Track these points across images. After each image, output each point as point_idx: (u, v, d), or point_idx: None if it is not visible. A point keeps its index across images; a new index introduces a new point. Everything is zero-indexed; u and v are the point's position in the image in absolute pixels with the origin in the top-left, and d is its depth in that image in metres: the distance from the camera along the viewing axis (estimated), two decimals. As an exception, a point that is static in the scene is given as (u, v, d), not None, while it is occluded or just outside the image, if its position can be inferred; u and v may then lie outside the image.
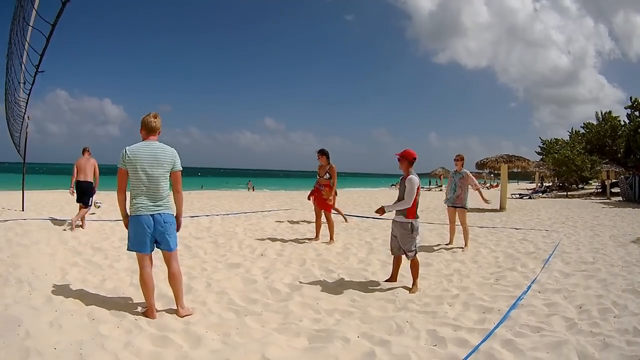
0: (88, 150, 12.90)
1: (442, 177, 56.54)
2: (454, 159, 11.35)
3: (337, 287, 7.10)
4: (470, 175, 10.94)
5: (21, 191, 16.60)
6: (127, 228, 5.51)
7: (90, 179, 12.47)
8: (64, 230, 11.68)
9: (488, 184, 63.09)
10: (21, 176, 16.95)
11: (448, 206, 11.21)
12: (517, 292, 6.79)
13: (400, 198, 7.08)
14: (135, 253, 5.59)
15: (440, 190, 49.42)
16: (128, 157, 5.36)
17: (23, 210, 15.53)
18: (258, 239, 11.32)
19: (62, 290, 6.51)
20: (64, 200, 21.02)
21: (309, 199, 11.77)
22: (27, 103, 10.14)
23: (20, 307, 5.67)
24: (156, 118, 5.60)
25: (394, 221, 7.25)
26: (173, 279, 5.74)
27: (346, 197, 30.17)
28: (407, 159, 7.20)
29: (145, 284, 5.55)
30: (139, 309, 5.85)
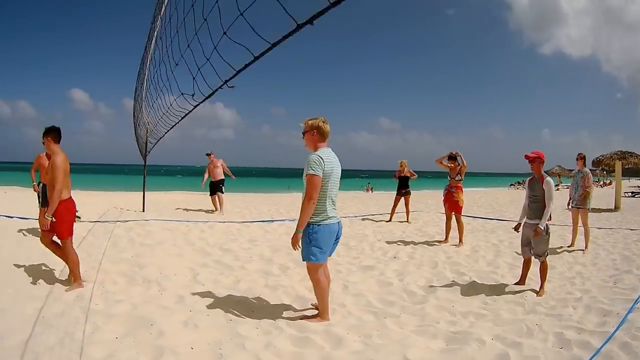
0: (211, 154, 16.79)
1: (559, 176, 54.12)
2: (576, 158, 11.33)
3: (469, 289, 7.31)
4: (590, 175, 11.16)
5: (142, 192, 17.35)
6: (298, 239, 5.38)
7: (220, 177, 16.56)
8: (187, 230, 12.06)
9: (601, 182, 59.92)
10: (142, 178, 17.93)
11: (572, 207, 11.29)
12: (633, 295, 6.83)
13: (539, 202, 7.23)
14: (317, 264, 5.48)
15: (557, 189, 47.36)
16: (326, 164, 5.32)
17: (143, 211, 16.18)
18: (388, 242, 11.41)
19: (194, 290, 6.76)
20: (182, 202, 21.90)
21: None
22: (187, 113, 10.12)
23: (150, 307, 5.91)
24: (327, 123, 5.59)
25: (526, 224, 7.44)
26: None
27: (468, 198, 29.37)
28: (541, 160, 7.35)
29: (326, 288, 5.69)
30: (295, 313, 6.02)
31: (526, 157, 7.35)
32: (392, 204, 15.96)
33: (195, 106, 7.24)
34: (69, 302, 5.98)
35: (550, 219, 7.13)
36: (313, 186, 5.20)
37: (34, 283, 6.83)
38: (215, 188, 16.71)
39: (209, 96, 6.27)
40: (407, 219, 15.49)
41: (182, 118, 9.09)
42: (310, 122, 5.52)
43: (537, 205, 7.22)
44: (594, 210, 19.94)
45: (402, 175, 15.68)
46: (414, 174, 15.80)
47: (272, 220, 14.78)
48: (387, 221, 15.45)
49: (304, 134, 5.60)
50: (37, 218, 9.22)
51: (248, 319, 5.65)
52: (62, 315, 5.52)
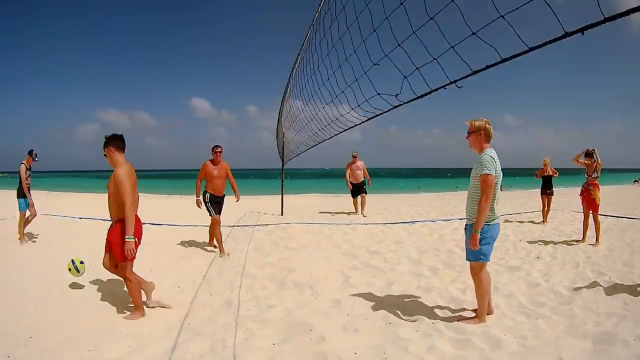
0: (356, 155, 16.38)
1: None
2: None
3: (610, 290, 7.04)
4: None
5: (278, 196, 17.85)
6: (477, 239, 5.31)
7: (361, 179, 16.29)
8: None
9: None
10: (277, 182, 18.54)
11: None
12: None
13: None
14: (485, 263, 5.56)
15: None
16: (497, 164, 5.38)
17: (282, 214, 16.50)
18: (529, 242, 11.21)
19: (348, 293, 6.72)
20: (319, 204, 22.19)
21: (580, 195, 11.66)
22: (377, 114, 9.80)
23: (306, 311, 5.89)
24: (490, 124, 5.61)
25: None
26: None
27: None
28: None
29: (488, 289, 5.65)
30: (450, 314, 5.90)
31: None
32: (541, 205, 15.46)
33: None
34: (217, 308, 6.04)
35: None
36: (489, 185, 5.23)
37: (177, 288, 6.98)
38: (359, 190, 16.57)
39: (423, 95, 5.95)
40: (545, 218, 14.97)
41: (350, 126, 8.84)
42: (476, 123, 5.52)
43: None
44: None
45: (545, 174, 15.13)
46: (556, 172, 15.15)
47: (414, 222, 14.66)
48: (539, 223, 14.87)
49: (469, 134, 5.58)
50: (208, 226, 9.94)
51: (406, 321, 5.61)
52: (210, 321, 5.55)
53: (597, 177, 11.22)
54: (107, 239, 5.94)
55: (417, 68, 4.37)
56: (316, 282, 7.26)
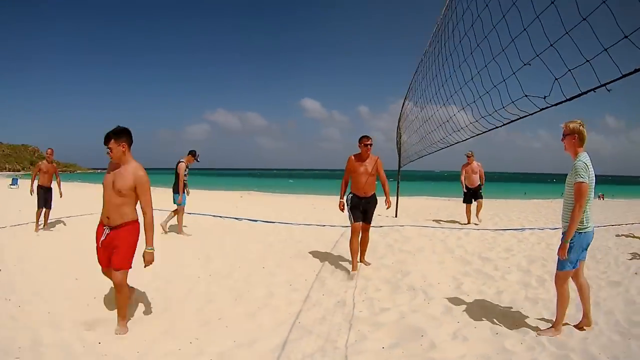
0: (471, 155, 14.95)
1: None
2: None
3: None
4: None
5: (396, 197, 17.31)
6: (566, 250, 5.32)
7: (477, 183, 15.00)
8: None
9: None
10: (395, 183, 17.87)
11: None
12: None
13: None
14: (570, 272, 5.53)
15: None
16: (590, 171, 5.33)
17: (396, 216, 16.55)
18: (629, 255, 10.48)
19: (459, 300, 6.73)
20: (432, 207, 22.34)
21: None
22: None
23: (419, 316, 5.91)
24: (585, 127, 5.49)
25: None
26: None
27: None
28: None
29: (567, 299, 5.59)
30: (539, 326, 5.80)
31: None
32: None
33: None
34: (330, 308, 6.13)
35: None
36: (582, 194, 5.17)
37: (289, 286, 7.18)
38: (474, 195, 15.26)
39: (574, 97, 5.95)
40: None
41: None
42: (571, 125, 5.42)
43: None
44: None
45: None
46: None
47: (524, 229, 14.29)
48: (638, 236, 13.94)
49: (564, 136, 5.51)
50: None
51: (513, 332, 5.57)
52: (323, 321, 5.64)
53: None
54: (105, 243, 5.50)
55: (569, 70, 4.38)
56: (430, 287, 7.24)
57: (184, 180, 11.91)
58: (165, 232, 11.81)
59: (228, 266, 8.50)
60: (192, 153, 12.13)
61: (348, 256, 8.87)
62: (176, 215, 12.15)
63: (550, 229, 14.65)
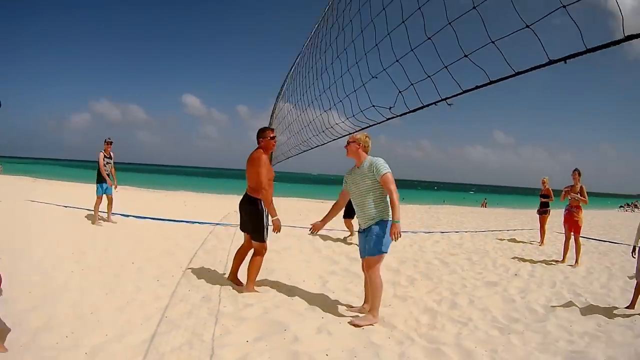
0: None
1: None
2: None
3: (585, 310, 7.26)
4: None
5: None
6: (398, 229, 5.74)
7: None
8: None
9: None
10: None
11: None
12: None
13: None
14: (383, 256, 6.01)
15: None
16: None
17: None
18: (509, 258, 11.61)
19: (324, 297, 6.88)
20: (304, 208, 22.78)
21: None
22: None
23: (282, 311, 5.96)
24: (370, 139, 6.24)
25: None
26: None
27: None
28: None
29: (381, 286, 6.04)
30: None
31: None
32: (539, 225, 15.17)
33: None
34: (196, 303, 6.09)
35: None
36: (393, 181, 5.81)
37: (156, 282, 7.06)
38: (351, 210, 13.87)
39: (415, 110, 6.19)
40: (542, 240, 14.84)
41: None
42: (357, 135, 6.03)
43: None
44: None
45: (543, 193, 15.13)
46: (551, 194, 15.08)
47: (405, 232, 14.32)
48: (520, 241, 15.09)
49: (349, 143, 6.11)
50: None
51: (380, 327, 5.72)
52: (190, 315, 5.62)
53: (580, 200, 11.30)
54: None
55: (412, 84, 4.57)
56: (294, 284, 7.37)
57: (104, 170, 12.03)
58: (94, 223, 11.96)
59: (98, 261, 8.23)
60: (105, 140, 12.20)
61: (215, 253, 9.05)
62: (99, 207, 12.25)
63: (423, 232, 15.36)
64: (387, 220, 5.82)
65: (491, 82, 3.89)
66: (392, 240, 5.71)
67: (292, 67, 11.85)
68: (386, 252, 5.90)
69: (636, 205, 57.97)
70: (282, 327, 5.27)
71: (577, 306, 7.40)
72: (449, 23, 4.09)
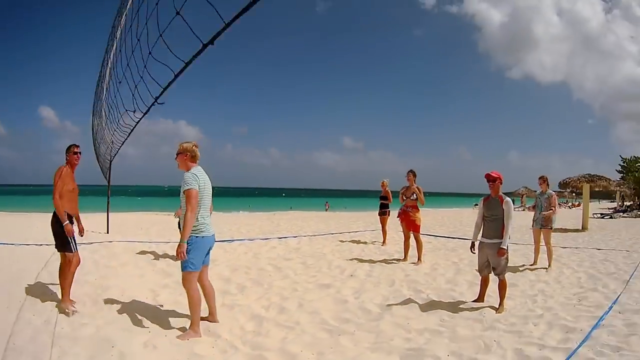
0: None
1: (524, 196, 55.27)
2: (538, 181, 11.88)
3: (426, 307, 7.48)
4: (555, 197, 11.70)
5: (106, 213, 17.31)
6: (184, 249, 5.72)
7: None
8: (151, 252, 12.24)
9: (570, 203, 61.57)
10: (105, 199, 17.78)
11: (534, 227, 11.70)
12: (598, 312, 7.04)
13: (498, 221, 7.47)
14: (194, 272, 5.97)
15: (524, 210, 47.95)
16: (200, 180, 5.91)
17: (108, 232, 16.30)
18: (347, 260, 11.91)
19: (154, 311, 6.95)
20: (148, 222, 22.25)
21: (398, 217, 12.10)
22: (132, 130, 10.66)
23: (112, 328, 6.05)
24: (198, 147, 6.19)
25: (485, 244, 7.64)
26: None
27: (431, 217, 30.72)
28: (501, 181, 7.62)
29: (198, 300, 6.08)
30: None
31: (487, 176, 7.67)
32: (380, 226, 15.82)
33: (137, 122, 7.79)
34: (38, 327, 6.06)
35: (509, 237, 7.39)
36: (193, 198, 5.68)
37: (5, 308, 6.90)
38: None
39: (145, 113, 6.90)
40: (384, 240, 15.42)
41: (128, 134, 9.58)
42: (184, 145, 6.04)
43: (495, 225, 7.46)
44: (561, 230, 20.85)
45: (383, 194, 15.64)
46: (390, 196, 15.64)
47: (232, 240, 15.03)
48: (361, 242, 15.62)
49: (177, 154, 6.07)
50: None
51: (205, 338, 5.87)
52: (33, 340, 5.59)
53: (416, 199, 11.54)
54: None
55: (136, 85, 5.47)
56: (127, 300, 7.35)
57: None
58: None
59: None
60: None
61: (56, 275, 8.70)
62: None
63: (261, 239, 15.79)
64: (193, 237, 5.78)
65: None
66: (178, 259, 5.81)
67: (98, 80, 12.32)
68: (194, 270, 5.86)
69: None
70: (110, 344, 5.39)
71: (417, 303, 7.61)
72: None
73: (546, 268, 10.93)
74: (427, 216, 30.83)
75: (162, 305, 7.24)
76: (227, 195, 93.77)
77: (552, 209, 11.37)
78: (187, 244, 5.72)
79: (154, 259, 11.25)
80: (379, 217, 15.77)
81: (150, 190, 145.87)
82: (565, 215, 34.08)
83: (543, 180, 11.72)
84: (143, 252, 12.13)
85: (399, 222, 12.10)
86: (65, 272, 6.95)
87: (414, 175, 11.75)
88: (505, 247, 7.32)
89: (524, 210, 47.51)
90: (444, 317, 6.89)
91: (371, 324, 6.49)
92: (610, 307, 7.22)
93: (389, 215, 15.47)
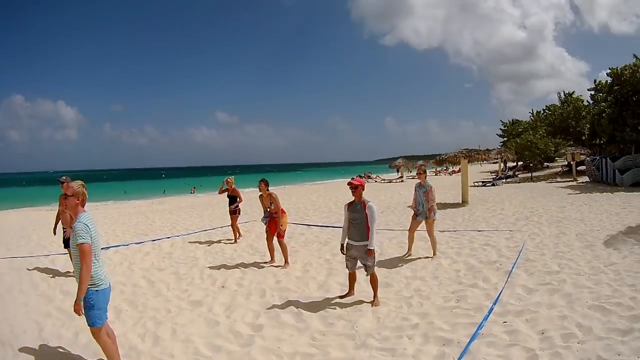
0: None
1: (401, 167, 56.63)
2: (416, 173, 12.17)
3: (297, 322, 7.41)
4: (433, 189, 11.57)
5: None
6: (81, 307, 5.40)
7: None
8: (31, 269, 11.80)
9: (450, 170, 63.56)
10: None
11: (416, 219, 11.75)
12: (478, 316, 7.06)
13: (362, 225, 7.93)
14: (103, 326, 5.66)
15: (402, 181, 49.27)
16: (92, 230, 5.47)
17: None
18: (218, 266, 11.65)
19: (41, 351, 6.66)
20: (30, 224, 21.38)
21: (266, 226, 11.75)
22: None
23: None
24: (85, 187, 5.79)
25: (352, 245, 8.08)
26: None
27: (304, 197, 31.19)
28: (362, 188, 8.07)
29: (114, 349, 5.91)
30: None
31: (350, 184, 8.09)
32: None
33: None
34: None
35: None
36: (87, 254, 5.25)
37: None
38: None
39: None
40: (235, 238, 15.23)
41: None
42: (75, 188, 5.58)
43: (360, 228, 7.90)
44: (440, 205, 19.88)
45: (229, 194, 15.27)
46: (239, 194, 15.36)
47: (108, 247, 14.29)
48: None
49: (66, 196, 5.64)
50: None
51: None
52: None
53: (275, 207, 11.21)
54: None
55: None
56: (15, 339, 6.97)
57: None
58: None
59: None
60: None
61: None
62: None
63: (136, 243, 15.30)
64: (92, 291, 5.39)
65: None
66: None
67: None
68: (102, 325, 5.55)
69: (369, 175, 60.28)
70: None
71: (288, 319, 7.52)
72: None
73: (431, 257, 11.26)
74: (303, 196, 31.86)
75: (47, 342, 6.91)
76: (100, 180, 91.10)
77: (432, 204, 11.37)
78: (86, 300, 5.35)
79: (36, 280, 10.70)
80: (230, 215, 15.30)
81: (41, 177, 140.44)
82: (444, 184, 34.99)
83: (422, 171, 11.80)
84: (28, 269, 11.62)
85: (265, 229, 11.73)
86: None
87: (266, 184, 11.52)
88: (373, 248, 7.83)
89: (401, 181, 48.85)
90: (315, 334, 6.84)
91: (243, 351, 6.36)
92: (490, 310, 7.27)
93: (239, 213, 15.33)
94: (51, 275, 11.08)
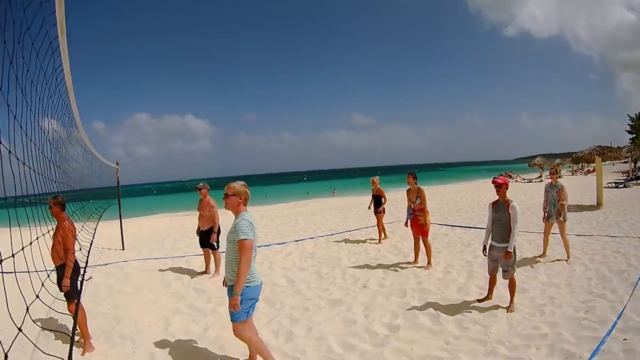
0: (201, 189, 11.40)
1: (542, 166, 54.16)
2: (549, 173, 11.62)
3: (433, 325, 7.20)
4: (565, 188, 11.27)
5: (119, 223, 16.57)
6: (238, 302, 5.40)
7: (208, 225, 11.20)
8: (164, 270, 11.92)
9: (585, 169, 60.14)
10: (115, 203, 16.65)
11: (548, 221, 11.35)
12: (602, 330, 6.53)
13: (505, 225, 7.69)
14: (246, 321, 5.68)
15: (541, 181, 47.17)
16: (255, 228, 5.63)
17: (123, 248, 15.81)
18: (361, 266, 11.43)
19: (165, 344, 6.78)
20: (164, 229, 21.92)
21: (406, 225, 11.62)
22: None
23: None
24: (247, 187, 5.91)
25: (493, 247, 7.89)
26: None
27: (447, 197, 30.44)
28: (507, 186, 7.83)
29: (261, 343, 5.95)
30: None
31: (494, 182, 7.81)
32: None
33: None
34: None
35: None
36: (248, 250, 5.34)
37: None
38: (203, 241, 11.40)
39: None
40: (379, 239, 14.88)
41: None
42: (237, 188, 5.69)
43: (503, 229, 7.65)
44: (576, 207, 20.21)
45: (374, 194, 15.03)
46: (383, 194, 15.03)
47: (258, 247, 14.03)
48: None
49: (226, 196, 5.70)
50: None
51: None
52: None
53: (421, 203, 10.96)
54: None
55: None
56: (139, 333, 7.16)
57: None
58: None
59: None
60: None
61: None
62: None
63: (277, 244, 15.20)
64: (245, 287, 5.42)
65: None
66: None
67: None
68: (245, 320, 5.54)
69: (510, 175, 56.55)
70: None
71: (424, 322, 7.28)
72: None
73: (566, 260, 10.69)
74: (446, 196, 31.03)
75: (173, 336, 7.10)
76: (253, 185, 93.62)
77: (563, 202, 11.04)
78: (242, 293, 5.40)
79: (169, 279, 10.92)
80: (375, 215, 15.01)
81: (172, 186, 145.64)
82: (581, 185, 33.26)
83: (554, 171, 11.50)
84: (160, 270, 11.84)
85: (410, 226, 11.39)
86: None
87: (414, 178, 11.26)
88: (512, 250, 7.53)
89: (541, 181, 46.92)
90: (449, 338, 6.66)
91: (375, 351, 6.25)
92: (613, 325, 6.71)
93: (384, 213, 14.98)
94: (186, 275, 11.27)
